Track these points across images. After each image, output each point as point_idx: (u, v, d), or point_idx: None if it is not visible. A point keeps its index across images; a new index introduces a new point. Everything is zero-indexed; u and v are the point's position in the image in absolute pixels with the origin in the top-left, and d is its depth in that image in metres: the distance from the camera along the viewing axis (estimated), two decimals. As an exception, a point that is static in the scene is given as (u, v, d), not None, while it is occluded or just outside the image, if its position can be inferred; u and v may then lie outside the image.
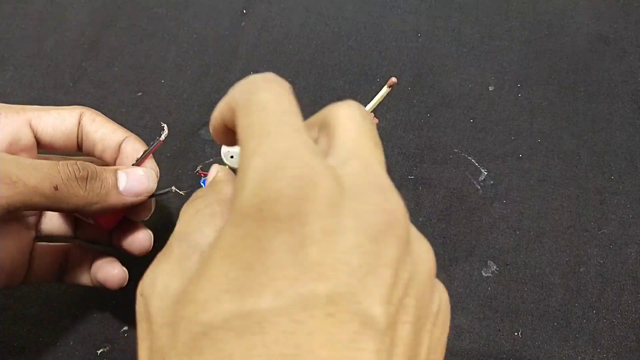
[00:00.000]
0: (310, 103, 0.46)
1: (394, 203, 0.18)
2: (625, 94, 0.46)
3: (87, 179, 0.28)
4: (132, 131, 0.34)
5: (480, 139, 0.44)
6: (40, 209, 0.27)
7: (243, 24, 0.52)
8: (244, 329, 0.16)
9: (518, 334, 0.36)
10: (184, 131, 0.46)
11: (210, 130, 0.23)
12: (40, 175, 0.26)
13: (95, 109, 0.34)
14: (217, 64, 0.49)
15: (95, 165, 0.30)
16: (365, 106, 0.37)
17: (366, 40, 0.50)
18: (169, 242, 0.21)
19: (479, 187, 0.42)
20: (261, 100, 0.19)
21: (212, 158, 0.44)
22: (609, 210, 0.40)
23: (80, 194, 0.28)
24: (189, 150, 0.44)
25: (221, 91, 0.48)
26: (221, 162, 0.33)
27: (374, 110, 0.37)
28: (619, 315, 0.36)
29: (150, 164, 0.33)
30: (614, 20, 0.50)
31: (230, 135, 0.22)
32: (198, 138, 0.45)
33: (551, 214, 0.40)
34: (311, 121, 0.22)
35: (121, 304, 0.38)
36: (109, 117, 0.34)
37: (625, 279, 0.38)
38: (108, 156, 0.33)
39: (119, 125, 0.34)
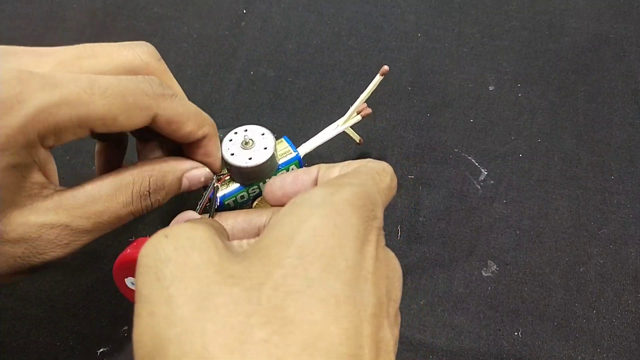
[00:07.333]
0: (310, 103, 0.46)
1: None
2: (625, 94, 0.46)
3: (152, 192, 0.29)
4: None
5: (480, 138, 0.44)
6: None
7: (243, 24, 0.52)
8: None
9: (518, 334, 0.36)
10: (184, 131, 0.46)
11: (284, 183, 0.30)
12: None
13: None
14: (217, 64, 0.49)
15: (167, 175, 0.30)
16: (359, 95, 0.37)
17: (366, 40, 0.50)
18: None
19: (479, 187, 0.42)
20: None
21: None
22: (609, 210, 0.40)
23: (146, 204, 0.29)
24: (189, 150, 0.44)
25: (221, 91, 0.48)
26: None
27: (367, 100, 0.37)
28: (619, 315, 0.36)
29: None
30: (614, 20, 0.50)
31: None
32: (198, 138, 0.45)
33: (551, 214, 0.40)
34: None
35: (121, 304, 0.38)
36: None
37: (625, 279, 0.38)
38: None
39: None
